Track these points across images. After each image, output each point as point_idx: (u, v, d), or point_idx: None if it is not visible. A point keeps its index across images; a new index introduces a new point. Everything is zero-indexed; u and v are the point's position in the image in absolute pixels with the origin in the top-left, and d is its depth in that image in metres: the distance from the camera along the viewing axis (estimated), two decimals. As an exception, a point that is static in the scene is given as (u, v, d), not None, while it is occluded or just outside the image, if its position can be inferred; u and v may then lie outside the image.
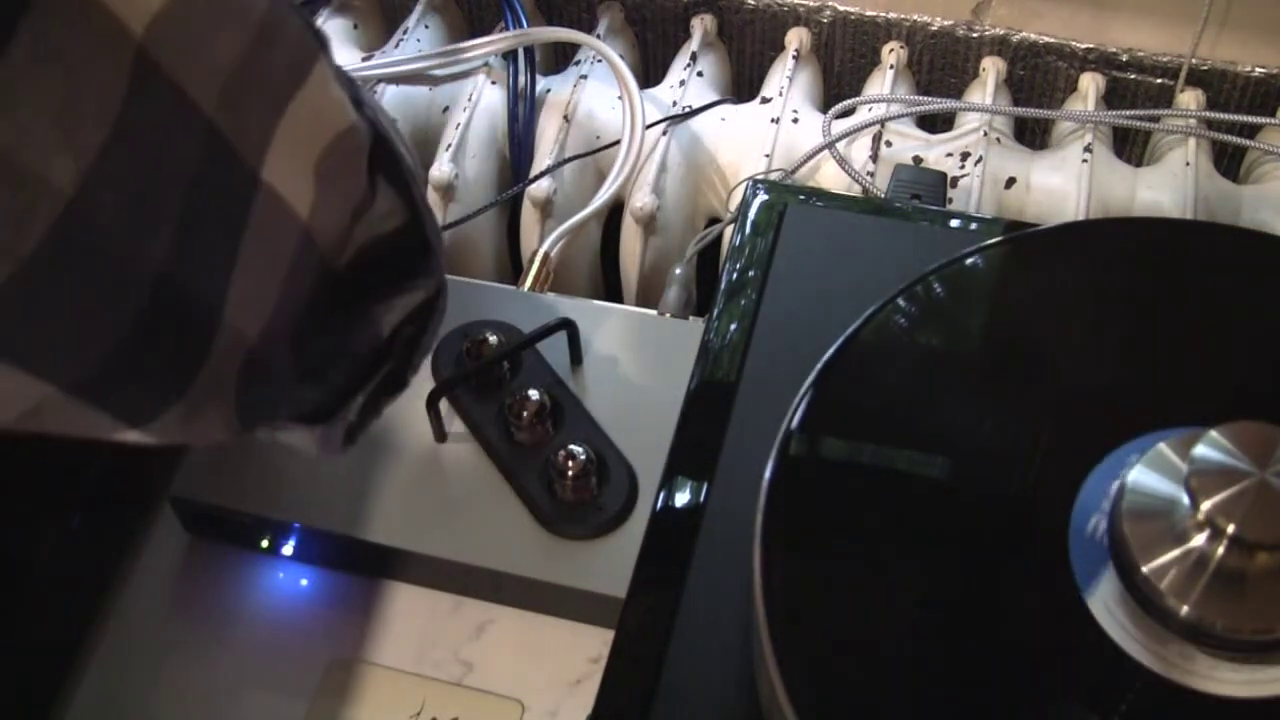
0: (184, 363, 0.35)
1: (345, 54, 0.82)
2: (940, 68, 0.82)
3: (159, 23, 0.30)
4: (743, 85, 0.88)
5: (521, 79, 0.79)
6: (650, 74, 0.88)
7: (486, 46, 0.78)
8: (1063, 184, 0.73)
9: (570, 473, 0.53)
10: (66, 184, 0.29)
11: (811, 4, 0.82)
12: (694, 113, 0.78)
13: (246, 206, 0.35)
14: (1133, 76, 0.79)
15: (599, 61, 0.81)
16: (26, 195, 0.28)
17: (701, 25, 0.83)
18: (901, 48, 0.81)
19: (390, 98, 0.78)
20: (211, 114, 0.33)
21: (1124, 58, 0.79)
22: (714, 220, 0.79)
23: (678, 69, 0.81)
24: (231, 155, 0.34)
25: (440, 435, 0.57)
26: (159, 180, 0.32)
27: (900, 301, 0.46)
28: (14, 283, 0.29)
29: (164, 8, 0.30)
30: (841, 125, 0.76)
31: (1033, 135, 0.82)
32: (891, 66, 0.80)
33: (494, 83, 0.79)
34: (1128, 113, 0.77)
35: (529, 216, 0.77)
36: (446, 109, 0.78)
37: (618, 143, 0.77)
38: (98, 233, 0.30)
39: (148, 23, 0.30)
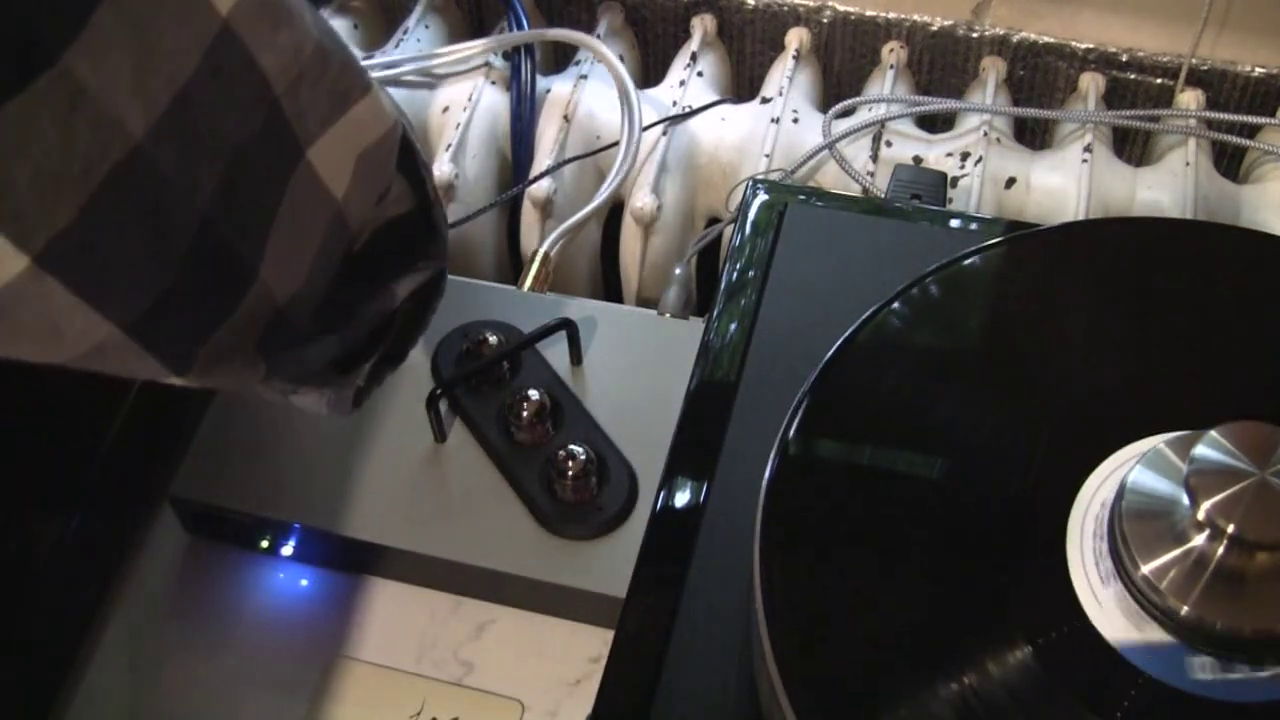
0: (218, 310, 0.38)
1: (345, 54, 0.82)
2: (940, 68, 0.82)
3: (243, 7, 0.34)
4: (743, 85, 0.88)
5: (522, 79, 0.79)
6: (650, 74, 0.88)
7: (485, 46, 0.78)
8: (1063, 184, 0.73)
9: (570, 473, 0.53)
10: (137, 129, 0.32)
11: (811, 4, 0.82)
12: (694, 113, 0.78)
13: (287, 177, 0.38)
14: (1133, 76, 0.79)
15: (599, 61, 0.81)
16: (105, 134, 0.32)
17: (701, 25, 0.83)
18: (901, 48, 0.81)
19: (390, 98, 0.78)
20: (279, 94, 0.37)
21: (1124, 58, 0.79)
22: (714, 220, 0.79)
23: (678, 69, 0.81)
24: (285, 131, 0.37)
25: (440, 435, 0.57)
26: (215, 138, 0.35)
27: (900, 302, 0.46)
28: (84, 217, 0.32)
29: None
30: (841, 125, 0.76)
31: (1033, 135, 0.82)
32: (891, 66, 0.80)
33: (494, 83, 0.79)
34: (1128, 113, 0.77)
35: (529, 216, 0.76)
36: (446, 109, 0.78)
37: (618, 143, 0.77)
38: (155, 176, 0.33)
39: (231, 5, 0.34)
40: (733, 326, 0.51)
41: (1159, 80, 0.79)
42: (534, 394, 0.56)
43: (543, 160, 0.75)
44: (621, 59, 0.84)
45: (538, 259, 0.69)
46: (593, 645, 0.53)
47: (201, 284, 0.37)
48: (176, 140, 0.34)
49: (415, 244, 0.48)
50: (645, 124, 0.74)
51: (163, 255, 0.35)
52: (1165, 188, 0.72)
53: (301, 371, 0.45)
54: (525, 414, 0.55)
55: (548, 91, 0.80)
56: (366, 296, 0.47)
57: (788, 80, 0.79)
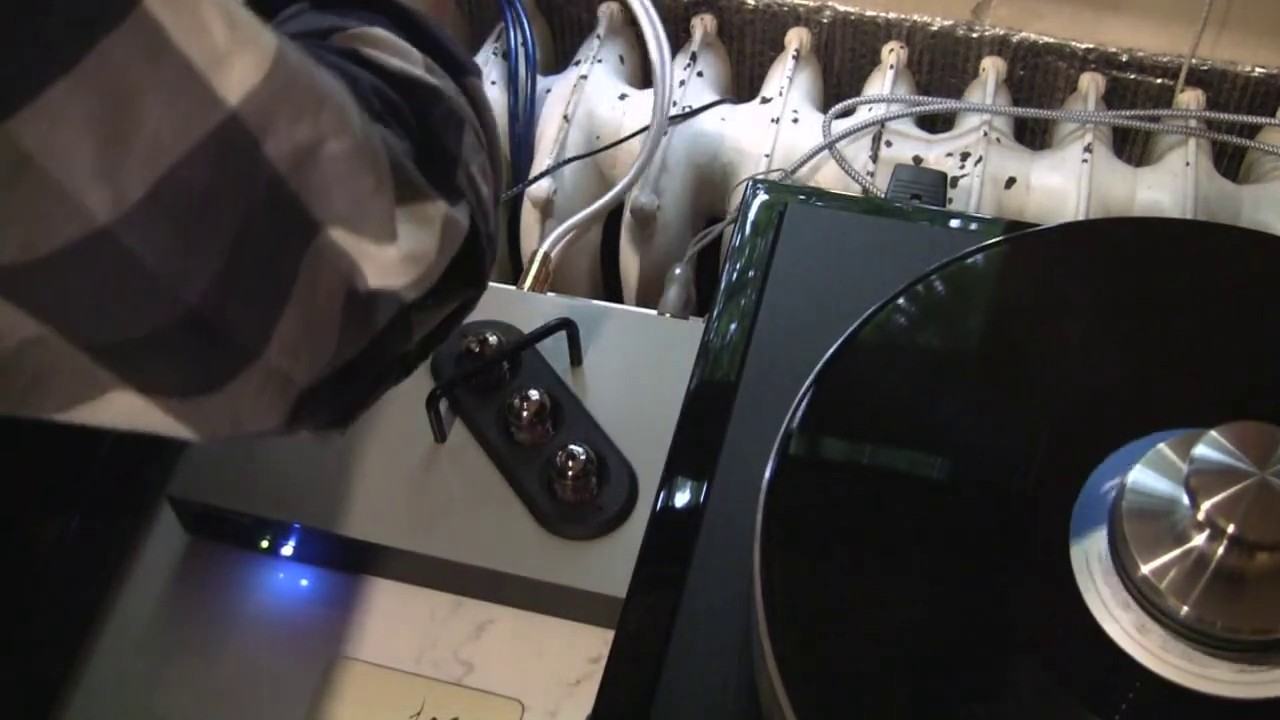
0: (210, 375, 0.35)
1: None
2: (940, 68, 0.82)
3: (257, 97, 0.31)
4: (743, 85, 0.88)
5: (521, 79, 0.79)
6: (651, 74, 0.88)
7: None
8: (1063, 184, 0.73)
9: (570, 473, 0.53)
10: (101, 212, 0.29)
11: (811, 4, 0.82)
12: (694, 113, 0.78)
13: (302, 252, 0.34)
14: (1133, 76, 0.79)
15: (599, 62, 0.81)
16: (51, 205, 0.29)
17: (701, 25, 0.84)
18: (901, 48, 0.81)
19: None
20: (295, 190, 0.33)
21: (1124, 58, 0.79)
22: (714, 220, 0.79)
23: (678, 69, 0.81)
24: (300, 213, 0.34)
25: (440, 435, 0.57)
26: (214, 227, 0.32)
27: (900, 302, 0.46)
28: (33, 269, 0.30)
29: (259, 85, 0.31)
30: (841, 125, 0.76)
31: (1033, 135, 0.82)
32: (891, 66, 0.80)
33: (494, 83, 0.79)
34: (1128, 113, 0.77)
35: (529, 216, 0.77)
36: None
37: (618, 143, 0.77)
38: (127, 264, 0.31)
39: (243, 96, 0.31)
40: (733, 326, 0.51)
41: (1159, 80, 0.79)
42: (534, 394, 0.56)
43: (543, 160, 0.75)
44: (621, 59, 0.84)
45: (538, 259, 0.69)
46: (593, 645, 0.53)
47: (185, 349, 0.34)
48: (159, 230, 0.30)
49: (456, 277, 0.41)
50: (645, 124, 0.74)
51: (137, 323, 0.32)
52: (1165, 188, 0.72)
53: (314, 420, 0.41)
54: (525, 414, 0.55)
55: (548, 91, 0.80)
56: (391, 335, 0.41)
57: (788, 80, 0.79)
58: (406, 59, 0.40)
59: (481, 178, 0.41)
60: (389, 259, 0.36)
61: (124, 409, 0.34)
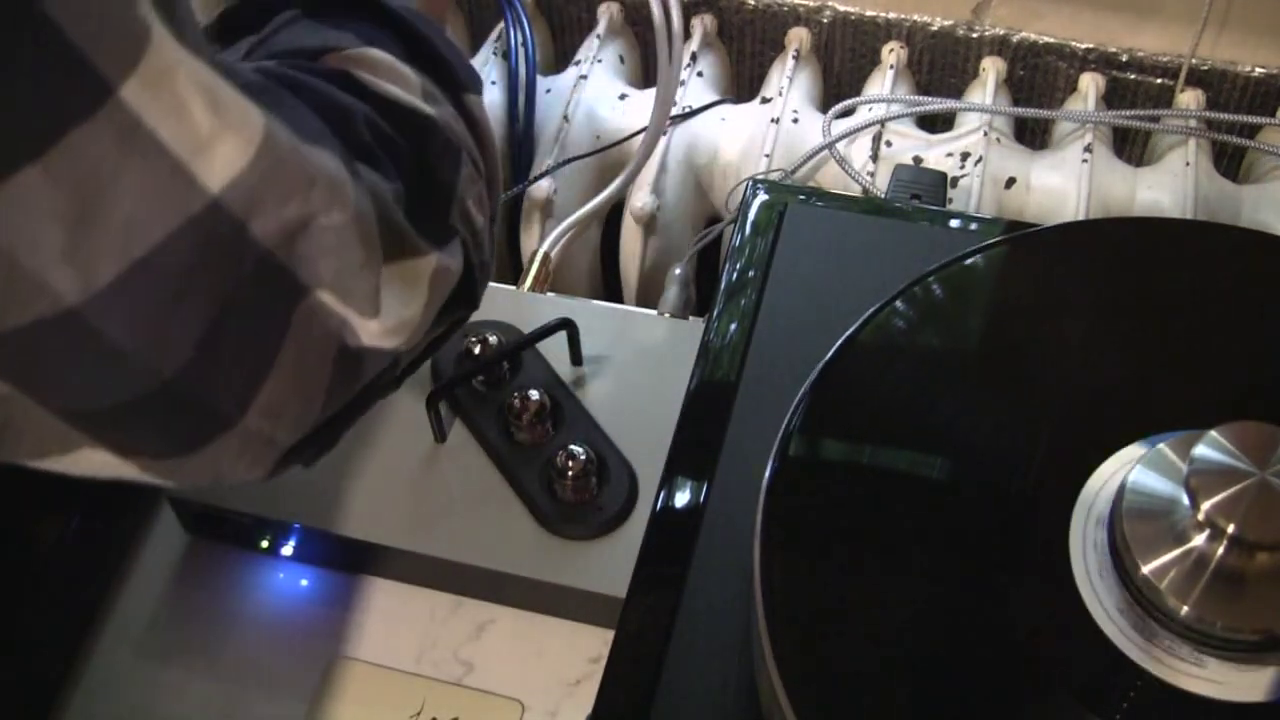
0: (187, 440, 0.35)
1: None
2: (940, 68, 0.82)
3: (242, 183, 0.30)
4: (743, 85, 0.88)
5: (521, 79, 0.79)
6: (650, 74, 0.88)
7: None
8: (1063, 184, 0.73)
9: (570, 473, 0.53)
10: (69, 294, 0.29)
11: (811, 4, 0.82)
12: (694, 113, 0.78)
13: (289, 318, 0.34)
14: (1133, 76, 0.79)
15: (599, 62, 0.81)
16: (17, 284, 0.28)
17: (701, 25, 0.83)
18: (901, 48, 0.81)
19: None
20: (282, 261, 0.32)
21: (1124, 58, 0.79)
22: (714, 220, 0.79)
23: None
24: (289, 281, 0.33)
25: (440, 435, 0.57)
26: (194, 303, 0.31)
27: (900, 302, 0.46)
28: (2, 338, 0.29)
29: (245, 170, 0.30)
30: (841, 125, 0.76)
31: (1033, 135, 0.82)
32: (891, 66, 0.80)
33: (494, 83, 0.79)
34: (1128, 113, 0.77)
35: (529, 216, 0.76)
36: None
37: (618, 143, 0.77)
38: (99, 344, 0.30)
39: (227, 182, 0.30)
40: (733, 326, 0.51)
41: (1159, 80, 0.79)
42: (534, 394, 0.56)
43: (543, 160, 0.75)
44: (621, 59, 0.84)
45: (538, 259, 0.69)
46: (593, 645, 0.53)
47: (154, 429, 0.33)
48: (133, 309, 0.30)
49: (448, 304, 0.40)
50: (645, 124, 0.74)
51: (111, 394, 0.32)
52: (1165, 188, 0.72)
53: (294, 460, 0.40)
54: (525, 414, 0.55)
55: (548, 91, 0.80)
56: (384, 386, 0.40)
57: (788, 80, 0.79)
58: (403, 84, 0.38)
59: (477, 208, 0.41)
60: (373, 330, 0.36)
61: (97, 463, 0.34)
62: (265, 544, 0.56)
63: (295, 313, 0.33)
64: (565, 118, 0.76)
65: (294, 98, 0.34)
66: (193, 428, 0.34)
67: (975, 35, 0.80)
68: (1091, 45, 0.79)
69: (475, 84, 0.42)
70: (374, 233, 0.35)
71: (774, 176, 0.73)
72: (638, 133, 0.77)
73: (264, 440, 0.35)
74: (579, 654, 0.53)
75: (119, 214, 0.29)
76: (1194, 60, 0.77)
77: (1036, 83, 0.81)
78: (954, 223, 0.56)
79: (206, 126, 0.29)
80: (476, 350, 0.58)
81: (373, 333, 0.36)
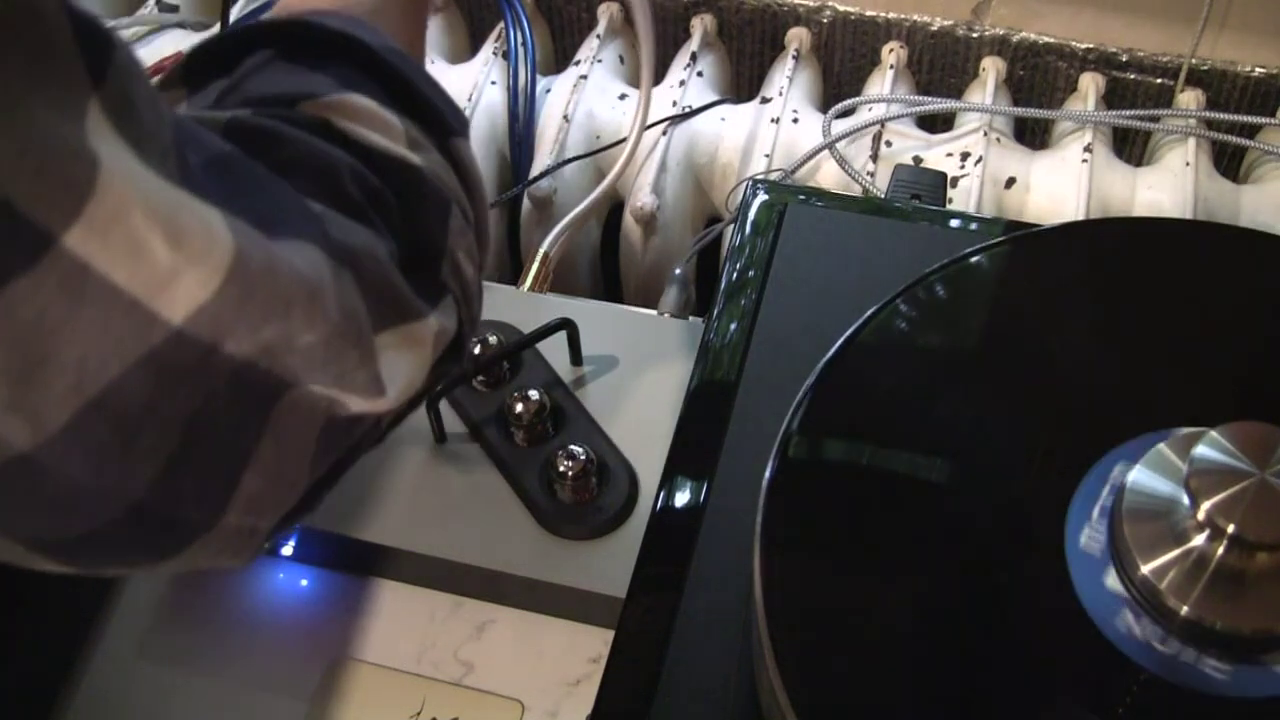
0: (162, 550, 0.33)
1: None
2: (940, 68, 0.83)
3: (207, 311, 0.28)
4: (743, 85, 0.88)
5: (521, 79, 0.79)
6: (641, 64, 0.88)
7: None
8: (1063, 184, 0.73)
9: (570, 473, 0.53)
10: (18, 442, 0.27)
11: (811, 4, 0.82)
12: (694, 113, 0.78)
13: (267, 416, 0.31)
14: (1133, 76, 0.79)
15: (599, 62, 0.81)
16: None
17: (701, 25, 0.84)
18: (901, 48, 0.81)
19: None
20: (260, 369, 0.30)
21: (1124, 58, 0.79)
22: (714, 220, 0.79)
23: (678, 69, 0.81)
24: (263, 385, 0.31)
25: (440, 435, 0.57)
26: (159, 426, 0.29)
27: (900, 302, 0.46)
28: None
29: (211, 299, 0.28)
30: (841, 125, 0.76)
31: (1033, 135, 0.82)
32: (891, 66, 0.80)
33: (494, 82, 0.79)
34: (1128, 113, 0.77)
35: (529, 216, 0.77)
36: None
37: (618, 143, 0.77)
38: (56, 481, 0.29)
39: (189, 313, 0.28)
40: (733, 326, 0.51)
41: (1159, 80, 0.79)
42: (534, 394, 0.56)
43: (543, 160, 0.75)
44: (621, 59, 0.84)
45: (537, 259, 0.69)
46: (593, 645, 0.53)
47: (125, 548, 0.32)
48: (92, 447, 0.28)
49: (438, 365, 0.39)
50: (646, 124, 0.74)
51: (76, 523, 0.30)
52: (1165, 188, 0.72)
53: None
54: (525, 414, 0.55)
55: (548, 91, 0.80)
56: (370, 445, 0.38)
57: (788, 80, 0.79)
58: (387, 133, 0.37)
59: (467, 260, 0.39)
60: (378, 403, 0.34)
61: (65, 571, 0.33)
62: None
63: (276, 408, 0.31)
64: (565, 118, 0.76)
65: (269, 173, 0.32)
66: (166, 540, 0.32)
67: (975, 35, 0.80)
68: (1091, 45, 0.79)
69: (462, 127, 0.40)
70: (366, 331, 0.33)
71: (774, 176, 0.73)
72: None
73: (246, 533, 0.33)
74: (579, 654, 0.53)
75: (69, 357, 0.27)
76: (1194, 60, 0.77)
77: (1036, 83, 0.81)
78: (954, 223, 0.56)
79: (167, 263, 0.27)
80: (476, 350, 0.58)
81: (363, 403, 0.34)
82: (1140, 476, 0.38)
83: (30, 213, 0.25)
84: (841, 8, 0.82)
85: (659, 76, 0.82)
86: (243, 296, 0.29)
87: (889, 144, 0.75)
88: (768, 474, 0.42)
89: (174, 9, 0.87)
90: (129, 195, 0.27)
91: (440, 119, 0.39)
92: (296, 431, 0.32)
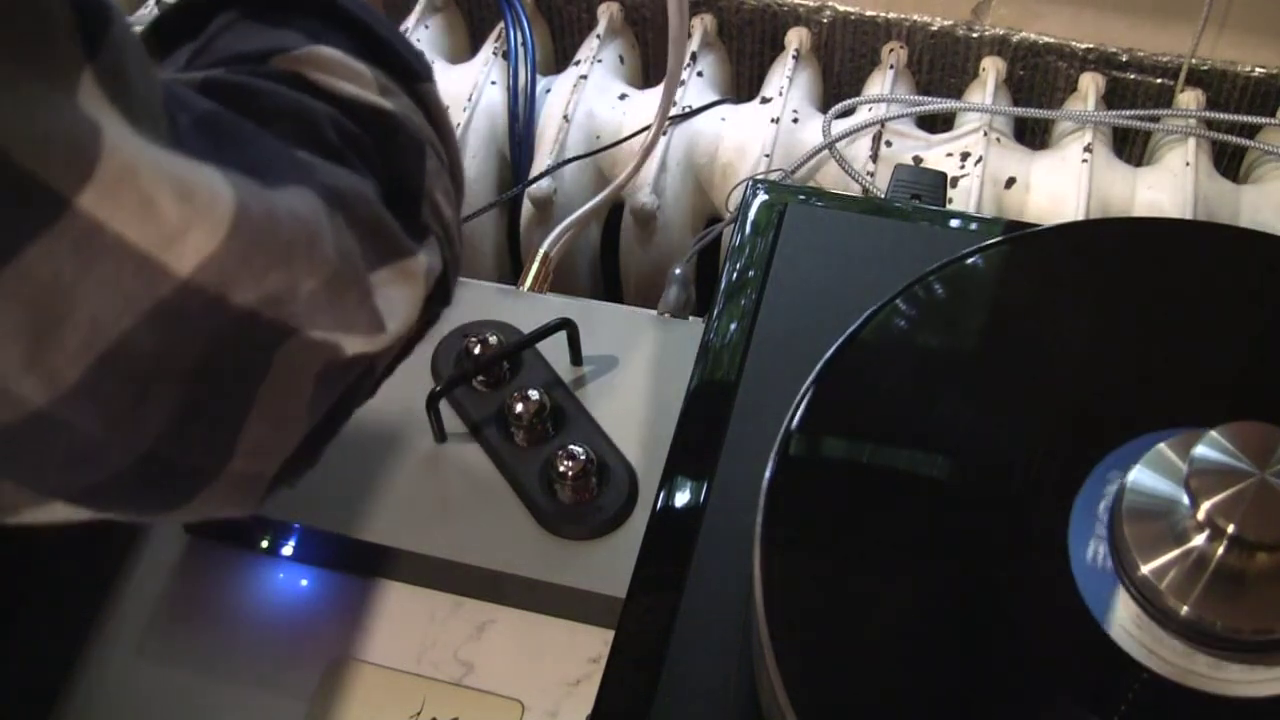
0: (171, 499, 0.34)
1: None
2: (940, 68, 0.83)
3: (215, 261, 0.29)
4: (743, 85, 0.88)
5: (521, 79, 0.79)
6: (650, 74, 0.88)
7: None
8: (1063, 184, 0.73)
9: (570, 473, 0.53)
10: (34, 398, 0.28)
11: (811, 4, 0.82)
12: (694, 113, 0.78)
13: (270, 360, 0.32)
14: (1133, 76, 0.79)
15: (599, 62, 0.81)
16: None
17: (701, 25, 0.83)
18: (901, 48, 0.81)
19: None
20: (264, 317, 0.31)
21: (1124, 58, 0.79)
22: (714, 220, 0.79)
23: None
24: (269, 333, 0.32)
25: (440, 435, 0.57)
26: (166, 378, 0.30)
27: (900, 302, 0.46)
28: None
29: (217, 250, 0.29)
30: (841, 125, 0.76)
31: (1033, 135, 0.82)
32: (891, 66, 0.80)
33: (494, 82, 0.79)
34: (1128, 113, 0.77)
35: (529, 217, 0.77)
36: (446, 109, 0.78)
37: (618, 143, 0.77)
38: (67, 436, 0.29)
39: (197, 265, 0.29)
40: (733, 326, 0.51)
41: (1159, 80, 0.79)
42: (534, 394, 0.56)
43: (543, 160, 0.75)
44: (621, 59, 0.84)
45: (537, 259, 0.69)
46: (593, 645, 0.53)
47: (135, 495, 0.33)
48: (103, 399, 0.29)
49: (425, 305, 0.40)
50: (645, 124, 0.74)
51: (89, 474, 0.31)
52: (1165, 188, 0.72)
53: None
54: (525, 414, 0.55)
55: (548, 91, 0.80)
56: (364, 390, 0.39)
57: (788, 80, 0.79)
58: (358, 81, 0.37)
59: (445, 201, 0.40)
60: (376, 341, 0.35)
61: (74, 514, 0.33)
62: (265, 544, 0.56)
63: (278, 355, 0.32)
64: (565, 118, 0.76)
65: (254, 126, 0.33)
66: (175, 487, 0.33)
67: (975, 35, 0.80)
68: (1091, 45, 0.79)
69: (427, 72, 0.41)
70: (363, 271, 0.34)
71: (774, 176, 0.73)
72: (638, 133, 0.77)
73: (251, 478, 0.34)
74: (579, 654, 0.53)
75: (82, 315, 0.28)
76: (1194, 60, 0.77)
77: (1036, 83, 0.81)
78: (954, 223, 0.56)
79: (175, 218, 0.28)
80: (476, 350, 0.58)
81: (362, 343, 0.35)
82: (1140, 476, 0.38)
83: (44, 178, 0.26)
84: (841, 8, 0.82)
85: (658, 77, 0.83)
86: (247, 246, 0.30)
87: (889, 144, 0.75)
88: (768, 474, 0.42)
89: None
90: (134, 155, 0.28)
91: (407, 65, 0.40)
92: (296, 377, 0.33)
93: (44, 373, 0.28)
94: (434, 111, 0.41)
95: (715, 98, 0.80)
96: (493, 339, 0.58)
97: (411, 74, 0.40)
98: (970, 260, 0.48)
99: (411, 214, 0.38)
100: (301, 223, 0.32)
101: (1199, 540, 0.36)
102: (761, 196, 0.56)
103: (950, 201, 0.69)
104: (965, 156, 0.74)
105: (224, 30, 0.38)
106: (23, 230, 0.26)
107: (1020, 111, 0.78)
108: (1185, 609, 0.36)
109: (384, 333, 0.35)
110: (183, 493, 0.33)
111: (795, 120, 0.77)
